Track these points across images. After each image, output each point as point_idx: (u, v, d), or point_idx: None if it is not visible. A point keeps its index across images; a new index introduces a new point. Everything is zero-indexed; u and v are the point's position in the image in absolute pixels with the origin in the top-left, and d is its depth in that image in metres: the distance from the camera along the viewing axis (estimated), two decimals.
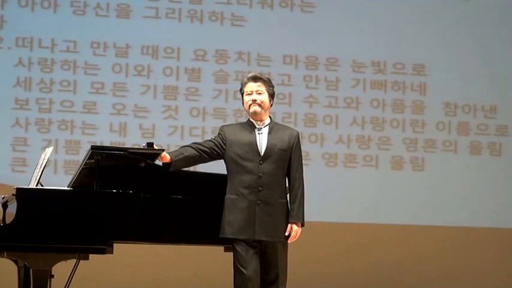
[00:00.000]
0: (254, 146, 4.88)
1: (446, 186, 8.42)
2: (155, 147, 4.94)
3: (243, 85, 4.97)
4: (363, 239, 8.21)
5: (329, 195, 8.07)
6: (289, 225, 4.86)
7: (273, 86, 4.97)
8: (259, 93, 4.91)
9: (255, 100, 4.90)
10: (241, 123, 5.06)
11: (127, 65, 8.09)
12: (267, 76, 5.01)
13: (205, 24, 8.23)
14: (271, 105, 4.98)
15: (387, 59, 8.49)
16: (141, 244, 5.08)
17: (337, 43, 8.39)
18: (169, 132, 8.10)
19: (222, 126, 5.05)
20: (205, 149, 4.92)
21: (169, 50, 8.17)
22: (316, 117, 8.33)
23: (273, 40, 8.30)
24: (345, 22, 8.41)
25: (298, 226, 4.87)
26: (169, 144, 7.91)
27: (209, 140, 4.98)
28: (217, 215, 4.93)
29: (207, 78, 8.20)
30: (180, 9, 8.21)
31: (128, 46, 8.10)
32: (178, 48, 8.19)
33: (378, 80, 8.47)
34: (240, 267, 4.80)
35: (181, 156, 4.89)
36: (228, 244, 4.91)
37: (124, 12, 8.12)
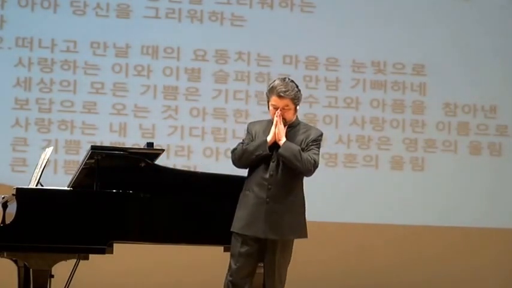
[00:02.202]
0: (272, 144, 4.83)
1: (446, 186, 8.42)
2: (155, 147, 4.94)
3: (269, 93, 4.85)
4: (363, 239, 8.20)
5: (329, 195, 8.07)
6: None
7: (298, 97, 4.85)
8: (285, 110, 4.83)
9: (280, 115, 4.82)
10: (266, 121, 4.95)
11: (127, 65, 8.09)
12: (293, 88, 4.83)
13: (205, 24, 8.23)
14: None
15: (387, 59, 8.49)
16: (141, 244, 5.09)
17: (337, 43, 8.39)
18: (169, 132, 8.10)
19: (249, 123, 5.00)
20: None
21: (169, 50, 8.16)
22: (316, 117, 8.33)
23: (273, 40, 8.29)
24: (345, 22, 8.41)
25: (281, 140, 4.77)
26: (169, 144, 7.92)
27: (245, 141, 4.90)
28: (217, 215, 4.93)
29: (207, 78, 8.20)
30: (180, 9, 8.21)
31: (127, 46, 8.10)
32: (178, 48, 8.18)
33: (378, 80, 8.47)
34: (231, 267, 4.81)
35: None
36: (229, 244, 4.90)
37: (124, 12, 8.12)
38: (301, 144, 4.85)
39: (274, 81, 4.90)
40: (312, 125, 5.22)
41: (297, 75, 8.27)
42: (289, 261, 4.90)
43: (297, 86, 4.89)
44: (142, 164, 4.94)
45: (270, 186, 4.80)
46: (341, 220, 8.17)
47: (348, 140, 8.37)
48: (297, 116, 4.94)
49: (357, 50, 8.43)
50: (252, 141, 4.87)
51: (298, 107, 4.90)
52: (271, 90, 4.84)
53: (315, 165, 4.86)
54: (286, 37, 8.31)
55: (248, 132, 4.94)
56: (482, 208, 8.44)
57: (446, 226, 8.35)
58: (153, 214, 4.90)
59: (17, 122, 7.91)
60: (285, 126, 4.84)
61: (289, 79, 4.90)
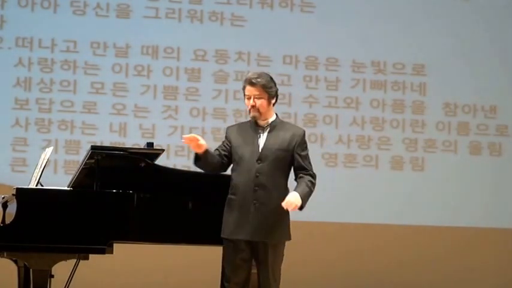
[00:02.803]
0: (254, 145, 4.81)
1: (446, 186, 8.42)
2: (155, 147, 4.94)
3: (244, 83, 4.86)
4: (363, 239, 8.20)
5: (329, 195, 8.06)
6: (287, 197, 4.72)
7: (271, 87, 4.81)
8: (257, 98, 4.80)
9: (253, 106, 4.81)
10: (245, 123, 4.96)
11: (127, 65, 8.09)
12: (266, 77, 4.83)
13: (205, 24, 8.23)
14: (275, 102, 4.89)
15: (387, 59, 8.49)
16: (141, 244, 5.09)
17: (337, 43, 8.39)
18: (169, 132, 8.10)
19: (228, 127, 4.98)
20: (222, 154, 4.88)
21: (169, 50, 8.17)
22: (316, 117, 8.33)
23: (273, 40, 8.30)
24: (345, 22, 8.41)
25: (298, 205, 4.72)
26: (169, 144, 7.92)
27: (220, 146, 4.93)
28: (217, 215, 4.92)
29: (207, 78, 8.20)
30: (180, 9, 8.21)
31: (127, 46, 8.10)
32: (178, 48, 8.19)
33: (378, 80, 8.47)
34: (226, 273, 4.80)
35: (211, 152, 4.85)
36: None
37: (124, 12, 8.13)
38: (288, 145, 4.82)
39: (249, 73, 4.93)
40: (289, 121, 5.19)
41: (297, 75, 8.29)
42: (282, 259, 4.86)
43: (273, 79, 4.86)
44: (143, 164, 4.94)
45: (256, 188, 4.76)
46: (341, 220, 8.16)
47: (348, 140, 8.37)
48: (276, 115, 4.91)
49: (357, 50, 8.43)
50: (227, 145, 4.88)
51: (273, 101, 4.85)
52: (245, 80, 4.85)
53: (315, 176, 4.90)
54: (286, 37, 8.31)
55: (226, 136, 4.93)
56: (482, 208, 8.44)
57: (446, 226, 8.35)
58: (153, 214, 4.90)
59: (17, 122, 7.91)
60: (260, 117, 4.81)
61: (265, 73, 4.90)
